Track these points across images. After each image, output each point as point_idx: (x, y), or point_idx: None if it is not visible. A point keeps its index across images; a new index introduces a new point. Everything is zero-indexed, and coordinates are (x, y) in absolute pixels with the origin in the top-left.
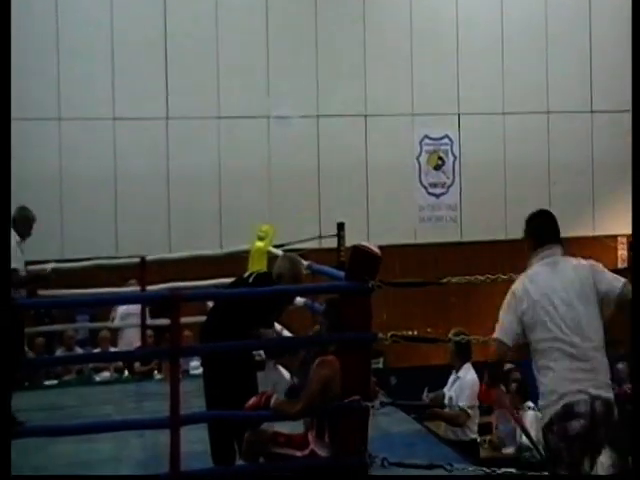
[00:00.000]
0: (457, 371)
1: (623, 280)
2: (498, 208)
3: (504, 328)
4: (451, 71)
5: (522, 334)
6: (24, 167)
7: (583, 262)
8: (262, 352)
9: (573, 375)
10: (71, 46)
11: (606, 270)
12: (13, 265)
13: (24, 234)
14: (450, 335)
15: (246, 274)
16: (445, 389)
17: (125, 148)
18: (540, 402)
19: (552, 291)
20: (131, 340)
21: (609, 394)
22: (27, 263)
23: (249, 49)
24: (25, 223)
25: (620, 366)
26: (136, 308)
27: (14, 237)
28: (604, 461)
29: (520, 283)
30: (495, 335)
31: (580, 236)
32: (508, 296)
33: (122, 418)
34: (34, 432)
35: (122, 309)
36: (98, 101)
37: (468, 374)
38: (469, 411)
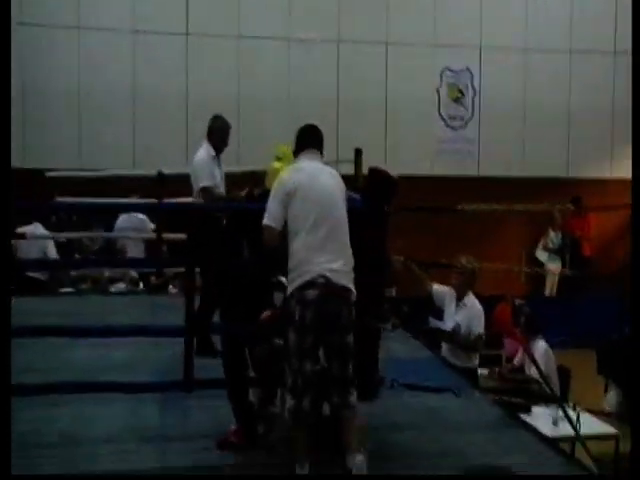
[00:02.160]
0: (461, 299)
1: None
2: (516, 145)
3: (271, 214)
4: (475, 2)
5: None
6: (42, 77)
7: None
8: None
9: (316, 256)
10: None
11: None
12: (206, 183)
13: (220, 146)
14: (462, 261)
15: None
16: (447, 316)
17: (144, 62)
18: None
19: (316, 178)
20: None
21: (347, 283)
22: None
23: None
24: (220, 133)
25: None
26: (134, 222)
27: (208, 151)
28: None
29: (286, 172)
30: (264, 222)
31: (597, 178)
32: (275, 185)
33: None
34: (51, 332)
35: (119, 222)
36: (118, 12)
37: (475, 302)
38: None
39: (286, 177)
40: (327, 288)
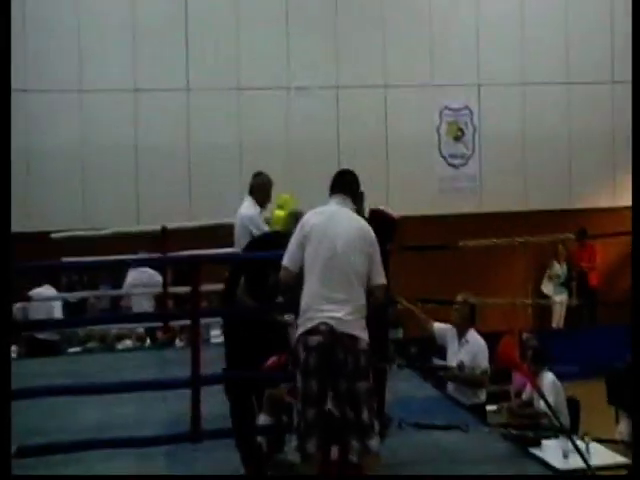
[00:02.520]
0: (463, 336)
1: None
2: (518, 179)
3: (289, 255)
4: (471, 41)
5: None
6: (46, 138)
7: (367, 225)
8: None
9: (322, 304)
10: (91, 16)
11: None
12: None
13: (264, 202)
14: (460, 298)
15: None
16: (450, 354)
17: (146, 119)
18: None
19: (333, 223)
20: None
21: (352, 331)
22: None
23: (269, 21)
24: (263, 190)
25: None
26: (143, 278)
27: (254, 207)
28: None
29: (307, 215)
30: (282, 262)
31: (601, 207)
32: (297, 227)
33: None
34: (57, 392)
35: (129, 279)
36: (119, 73)
37: (477, 338)
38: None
39: (305, 219)
40: (331, 335)
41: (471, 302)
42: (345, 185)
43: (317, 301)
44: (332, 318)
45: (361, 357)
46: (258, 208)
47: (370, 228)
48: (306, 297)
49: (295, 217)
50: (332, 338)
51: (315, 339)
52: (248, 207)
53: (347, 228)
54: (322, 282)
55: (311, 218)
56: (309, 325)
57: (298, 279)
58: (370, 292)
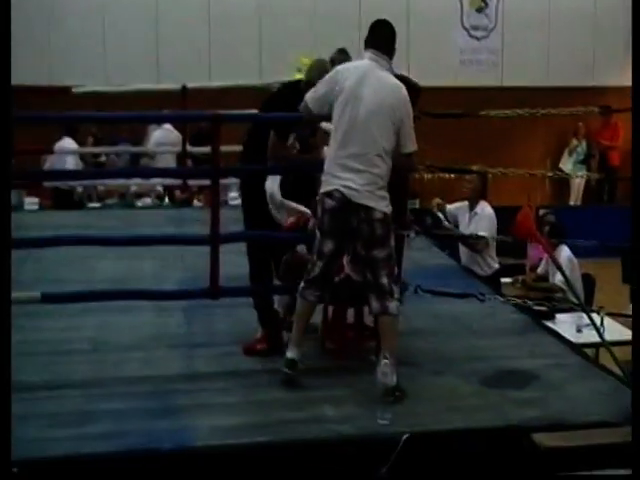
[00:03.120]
0: (473, 208)
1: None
2: (540, 54)
3: (316, 95)
4: None
5: (329, 109)
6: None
7: (400, 86)
8: None
9: (339, 170)
10: None
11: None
12: None
13: None
14: (475, 168)
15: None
16: (462, 228)
17: None
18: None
19: (363, 85)
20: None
21: (366, 202)
22: None
23: None
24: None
25: None
26: (170, 137)
27: None
28: None
29: (342, 66)
30: (306, 96)
31: (624, 85)
32: (331, 73)
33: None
34: (77, 241)
35: (156, 137)
36: None
37: (486, 209)
38: (488, 240)
39: (341, 71)
40: (344, 204)
41: (483, 174)
42: (381, 39)
43: (335, 167)
44: (347, 187)
45: (376, 226)
46: None
47: (404, 91)
48: (328, 159)
49: (323, 66)
50: (346, 206)
51: (330, 203)
52: None
53: (376, 93)
54: (341, 148)
55: (345, 73)
56: (327, 188)
57: (316, 117)
58: (398, 159)
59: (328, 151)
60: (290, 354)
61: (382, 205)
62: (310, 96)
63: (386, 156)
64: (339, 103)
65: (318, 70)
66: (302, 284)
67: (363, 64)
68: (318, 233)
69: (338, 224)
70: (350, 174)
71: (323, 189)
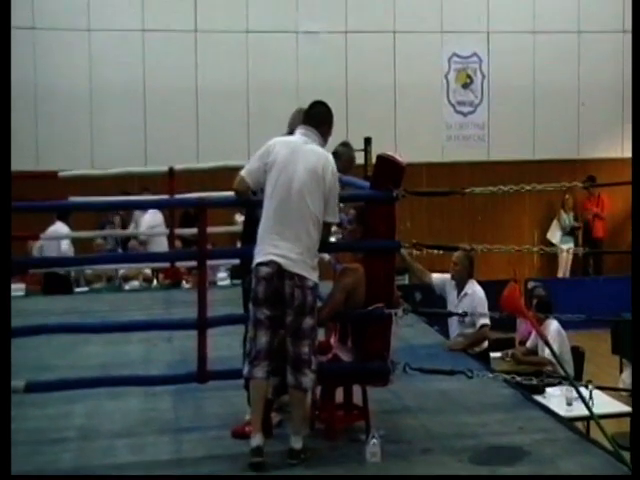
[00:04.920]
0: (462, 288)
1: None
2: (526, 128)
3: (251, 169)
4: None
5: (263, 183)
6: (54, 78)
7: (329, 158)
8: None
9: (274, 240)
10: None
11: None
12: None
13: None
14: (458, 254)
15: None
16: (450, 305)
17: (154, 60)
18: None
19: (294, 158)
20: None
21: (300, 270)
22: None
23: None
24: (347, 163)
25: None
26: (158, 219)
27: None
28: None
29: (274, 140)
30: (241, 172)
31: (608, 158)
32: (262, 149)
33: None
34: (68, 329)
35: (147, 220)
36: (128, 13)
37: (476, 289)
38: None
39: (272, 144)
40: (279, 272)
41: (469, 255)
42: (314, 117)
43: (270, 237)
44: (283, 257)
45: (308, 294)
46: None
47: (332, 163)
48: (261, 229)
49: (298, 114)
50: (281, 274)
51: (265, 270)
52: None
53: (306, 165)
54: (276, 219)
55: (277, 146)
56: (262, 258)
57: (249, 192)
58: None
59: (262, 221)
60: (254, 442)
61: (314, 275)
62: (245, 171)
63: (318, 225)
64: (272, 175)
65: (293, 117)
66: (247, 365)
67: (294, 138)
68: (251, 305)
69: (272, 291)
70: (286, 243)
71: (258, 259)
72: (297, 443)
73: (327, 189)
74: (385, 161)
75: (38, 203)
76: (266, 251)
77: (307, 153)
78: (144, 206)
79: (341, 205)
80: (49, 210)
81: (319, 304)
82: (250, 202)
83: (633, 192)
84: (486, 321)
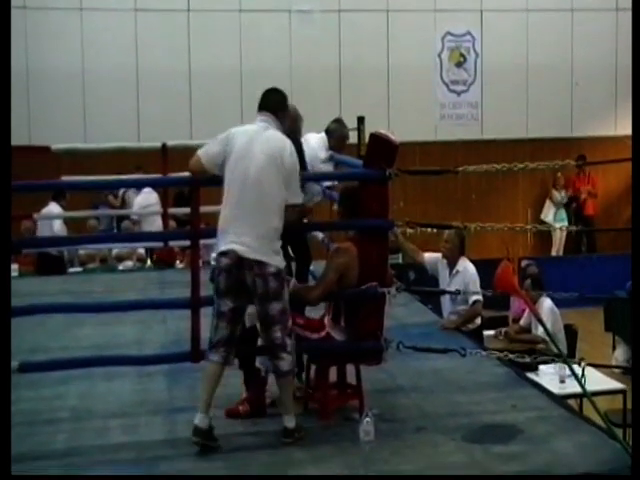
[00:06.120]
0: (454, 266)
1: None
2: (520, 106)
3: (209, 151)
4: None
5: (219, 169)
6: (46, 59)
7: (287, 142)
8: None
9: (234, 227)
10: None
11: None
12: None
13: (337, 152)
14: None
15: None
16: (442, 284)
17: (147, 40)
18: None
19: (252, 146)
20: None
21: (260, 257)
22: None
23: None
24: (340, 140)
25: None
26: (151, 199)
27: (326, 151)
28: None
29: (234, 130)
30: (198, 151)
31: (601, 136)
32: (224, 134)
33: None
34: (61, 309)
35: (140, 200)
36: None
37: (468, 267)
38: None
39: (232, 133)
40: (239, 260)
41: (460, 233)
42: (269, 104)
43: (230, 225)
44: (242, 243)
45: (270, 280)
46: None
47: (290, 146)
48: (222, 219)
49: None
50: (240, 263)
51: (225, 261)
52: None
53: (264, 150)
54: (235, 206)
55: (236, 134)
56: (222, 247)
57: (204, 173)
58: (286, 211)
59: (221, 210)
60: (196, 421)
61: (276, 260)
62: (203, 152)
63: (279, 210)
64: (230, 163)
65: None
66: (208, 347)
67: (253, 127)
68: (215, 295)
69: (233, 282)
70: (244, 230)
71: (219, 249)
72: (290, 422)
73: (287, 172)
74: (378, 139)
75: (32, 182)
76: (226, 240)
77: (266, 139)
78: (137, 185)
79: (336, 183)
80: (43, 189)
81: (312, 282)
82: (210, 181)
83: (633, 173)
84: (478, 297)
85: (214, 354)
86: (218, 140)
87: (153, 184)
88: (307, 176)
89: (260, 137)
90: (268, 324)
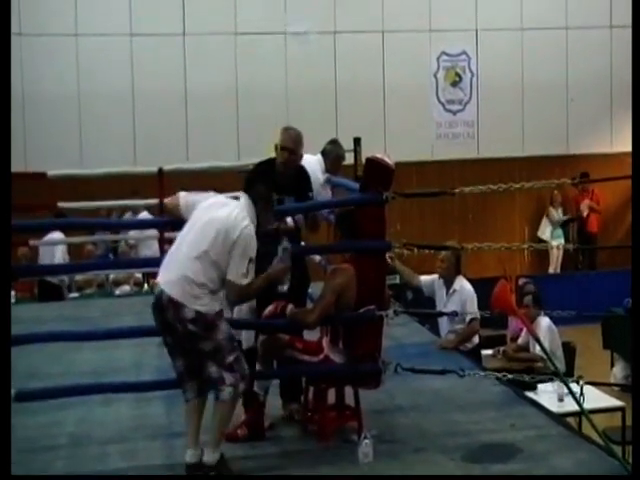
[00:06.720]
0: (450, 285)
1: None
2: (515, 124)
3: (189, 198)
4: None
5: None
6: (41, 84)
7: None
8: None
9: (167, 267)
10: None
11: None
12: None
13: (334, 173)
14: (450, 244)
15: None
16: (439, 304)
17: (142, 64)
18: None
19: (210, 209)
20: (149, 255)
21: (179, 298)
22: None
23: None
24: (336, 161)
25: None
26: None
27: (323, 174)
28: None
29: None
30: (181, 193)
31: (598, 153)
32: (206, 194)
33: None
34: (60, 337)
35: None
36: (115, 17)
37: (465, 285)
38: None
39: (210, 196)
40: (159, 300)
41: (456, 252)
42: (252, 189)
43: (165, 264)
44: (167, 282)
45: (188, 325)
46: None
47: (247, 228)
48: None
49: (336, 143)
50: (159, 302)
51: (153, 301)
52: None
53: (216, 216)
54: (176, 249)
55: (210, 197)
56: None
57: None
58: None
59: None
60: (187, 458)
61: (197, 304)
62: (187, 195)
63: (204, 261)
64: (190, 219)
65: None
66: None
67: (220, 199)
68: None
69: (160, 321)
70: (172, 266)
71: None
72: (209, 457)
73: (232, 245)
74: (374, 164)
75: (31, 222)
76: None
77: (228, 208)
78: (133, 227)
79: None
80: (43, 229)
81: (310, 305)
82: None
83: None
84: (475, 315)
85: (184, 392)
86: (201, 195)
87: (149, 226)
88: (308, 206)
89: (223, 206)
90: (201, 361)
